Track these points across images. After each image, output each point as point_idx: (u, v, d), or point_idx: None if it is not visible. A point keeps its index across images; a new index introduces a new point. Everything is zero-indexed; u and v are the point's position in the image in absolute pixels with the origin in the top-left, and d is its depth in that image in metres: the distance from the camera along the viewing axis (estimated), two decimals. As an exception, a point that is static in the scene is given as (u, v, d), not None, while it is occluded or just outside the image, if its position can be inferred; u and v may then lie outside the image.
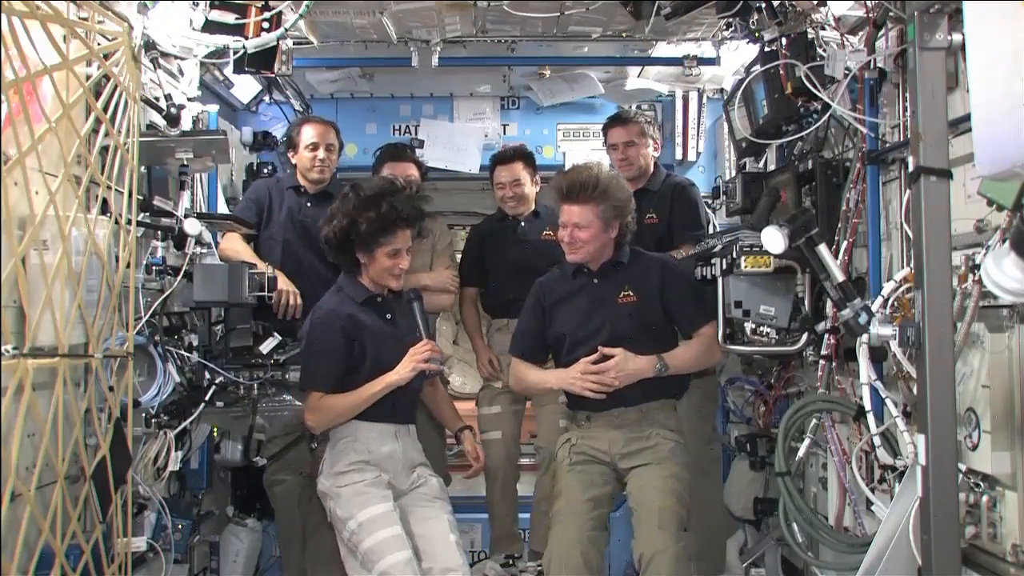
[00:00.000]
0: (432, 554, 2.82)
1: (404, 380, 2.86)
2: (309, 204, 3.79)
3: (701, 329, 3.03)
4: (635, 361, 2.95)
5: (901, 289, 2.37)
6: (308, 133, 3.78)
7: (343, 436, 2.87)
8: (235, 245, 3.57)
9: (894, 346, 2.29)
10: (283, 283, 3.46)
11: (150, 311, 2.84)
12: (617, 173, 3.18)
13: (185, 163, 3.14)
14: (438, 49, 3.78)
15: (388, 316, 2.98)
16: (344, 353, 2.85)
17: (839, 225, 2.86)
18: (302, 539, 3.75)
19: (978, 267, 1.93)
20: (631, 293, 3.07)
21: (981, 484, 2.14)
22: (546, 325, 3.18)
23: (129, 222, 2.59)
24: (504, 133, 4.68)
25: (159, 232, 3.04)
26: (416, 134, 4.61)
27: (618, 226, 3.05)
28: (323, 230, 2.95)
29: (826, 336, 2.84)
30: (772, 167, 3.61)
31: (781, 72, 2.88)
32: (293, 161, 3.85)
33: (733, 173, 4.16)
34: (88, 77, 2.42)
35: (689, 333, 3.06)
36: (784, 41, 2.89)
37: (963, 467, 2.13)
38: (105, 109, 2.45)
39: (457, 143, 4.60)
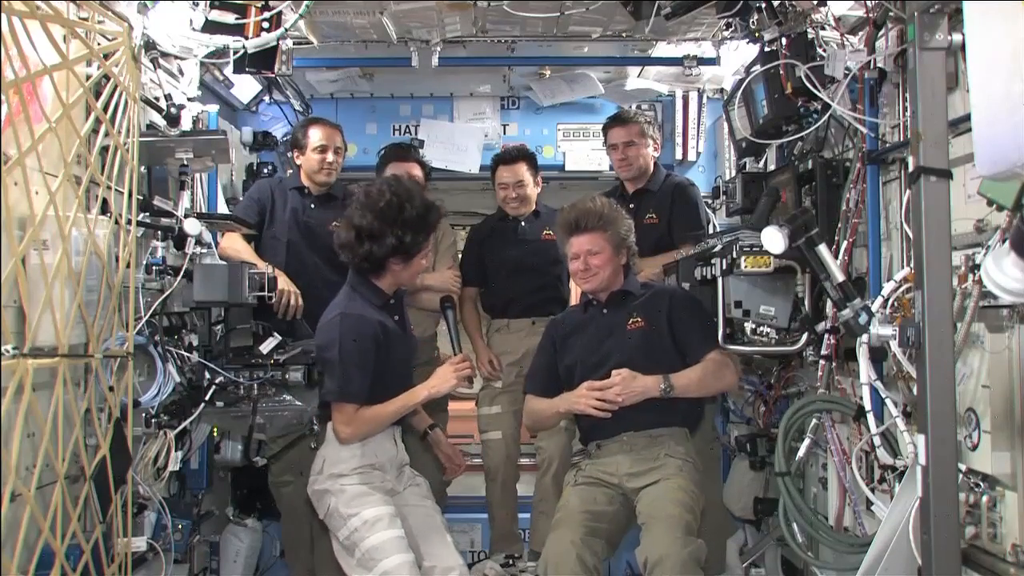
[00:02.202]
0: (432, 554, 2.82)
1: (445, 392, 2.89)
2: (313, 205, 3.80)
3: (708, 355, 3.02)
4: (640, 379, 2.96)
5: (901, 289, 2.37)
6: (316, 135, 3.78)
7: None
8: (235, 244, 3.57)
9: (894, 346, 2.29)
10: (284, 283, 3.46)
11: (150, 311, 2.83)
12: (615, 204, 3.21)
13: (185, 163, 3.14)
14: (438, 49, 3.78)
15: (396, 318, 2.95)
16: (374, 361, 2.79)
17: (839, 225, 2.86)
18: (309, 541, 3.73)
19: (978, 267, 1.93)
20: (639, 319, 3.11)
21: (981, 484, 2.14)
22: (558, 359, 3.22)
23: (129, 222, 2.59)
24: (504, 133, 4.68)
25: (159, 232, 3.04)
26: (416, 134, 4.61)
27: (625, 255, 3.13)
28: (361, 246, 2.77)
29: (826, 336, 2.84)
30: (772, 167, 3.61)
31: (781, 72, 2.88)
32: (298, 162, 3.85)
33: (733, 173, 4.16)
34: (88, 77, 2.42)
35: (695, 360, 3.05)
36: (784, 41, 2.89)
37: (963, 467, 2.13)
38: (105, 109, 2.45)
39: (457, 143, 4.60)
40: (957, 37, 1.98)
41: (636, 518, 2.93)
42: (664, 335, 3.09)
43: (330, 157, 3.77)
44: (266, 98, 4.44)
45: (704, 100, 4.52)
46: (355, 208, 2.81)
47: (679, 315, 3.10)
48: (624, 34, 3.83)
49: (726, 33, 3.56)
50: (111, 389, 2.52)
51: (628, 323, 3.12)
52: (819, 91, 2.71)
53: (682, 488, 2.88)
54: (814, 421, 2.96)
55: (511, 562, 3.98)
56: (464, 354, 2.97)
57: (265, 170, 4.47)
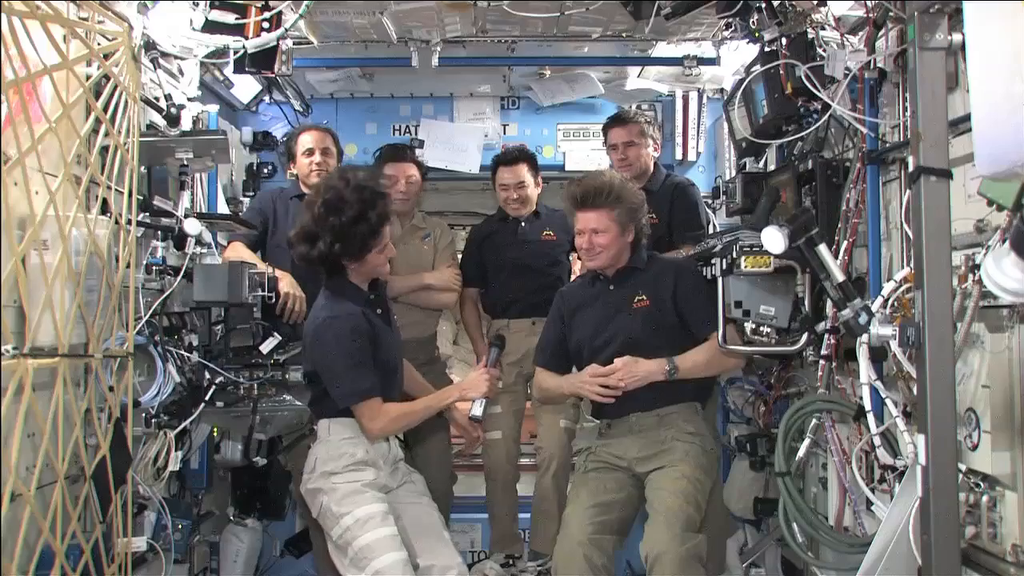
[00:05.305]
0: (429, 552, 2.81)
1: (474, 397, 2.98)
2: None
3: (714, 332, 3.00)
4: (644, 363, 2.96)
5: (901, 289, 2.37)
6: (304, 140, 3.81)
7: (342, 436, 2.81)
8: (239, 252, 3.57)
9: (894, 346, 2.29)
10: (288, 286, 3.44)
11: (150, 311, 2.84)
12: (625, 177, 3.19)
13: (185, 163, 3.14)
14: (438, 49, 3.78)
15: (379, 312, 2.93)
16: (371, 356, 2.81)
17: (839, 225, 2.85)
18: None
19: (978, 267, 1.93)
20: (644, 298, 3.09)
21: (981, 484, 2.14)
22: (567, 334, 3.21)
23: (129, 222, 2.60)
24: (504, 133, 4.67)
25: (159, 232, 3.04)
26: (416, 134, 4.61)
27: (633, 230, 3.08)
28: (301, 249, 2.77)
29: (826, 336, 2.84)
30: (772, 167, 3.60)
31: (781, 72, 2.88)
32: (293, 171, 3.87)
33: (733, 173, 4.16)
34: (88, 77, 2.42)
35: (702, 337, 3.05)
36: (784, 41, 2.89)
37: (963, 467, 2.13)
38: (105, 109, 2.45)
39: (457, 143, 4.60)
40: (957, 37, 1.98)
41: (646, 498, 2.96)
42: (669, 312, 3.07)
43: (318, 158, 3.77)
44: (266, 98, 4.44)
45: (704, 100, 4.52)
46: (304, 218, 2.79)
47: (684, 292, 3.08)
48: (624, 34, 3.83)
49: (726, 33, 3.56)
50: (111, 389, 2.53)
51: (634, 301, 3.09)
52: (819, 91, 2.71)
53: (685, 476, 2.89)
54: (814, 421, 2.95)
55: (511, 562, 3.98)
56: (497, 371, 3.06)
57: (265, 170, 4.48)
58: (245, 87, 4.25)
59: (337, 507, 2.73)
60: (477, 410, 3.01)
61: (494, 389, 3.04)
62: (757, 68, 3.07)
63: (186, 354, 3.09)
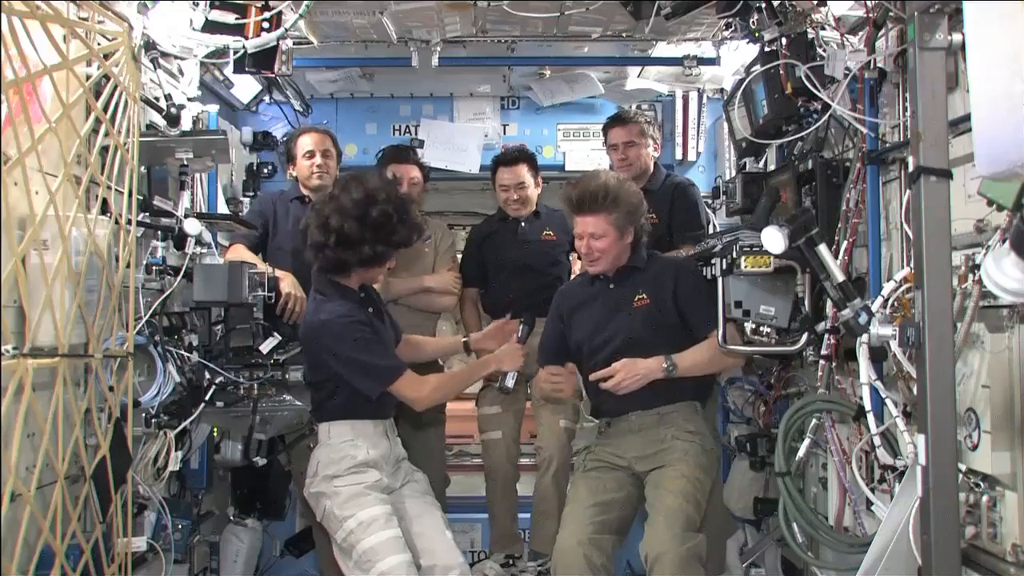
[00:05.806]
0: (431, 552, 2.81)
1: (506, 370, 3.08)
2: None
3: (714, 332, 2.99)
4: (642, 363, 2.95)
5: (901, 289, 2.37)
6: (304, 142, 3.81)
7: (342, 439, 2.82)
8: (240, 254, 3.57)
9: (894, 346, 2.29)
10: (288, 286, 3.44)
11: (150, 311, 2.84)
12: (624, 177, 3.19)
13: (185, 163, 3.14)
14: (438, 49, 3.78)
15: (370, 310, 2.94)
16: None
17: (839, 225, 2.85)
18: None
19: (978, 267, 1.93)
20: (645, 296, 3.08)
21: (981, 484, 2.14)
22: (567, 333, 3.21)
23: (129, 222, 2.60)
24: (504, 133, 4.67)
25: (159, 232, 3.04)
26: (416, 134, 4.60)
27: (632, 231, 3.06)
28: (344, 255, 2.76)
29: (826, 336, 2.84)
30: (772, 167, 3.60)
31: (781, 72, 2.88)
32: (293, 173, 3.88)
33: (733, 173, 4.16)
34: (88, 77, 2.42)
35: (702, 336, 3.04)
36: (784, 41, 2.89)
37: (963, 467, 2.13)
38: (105, 109, 2.45)
39: (457, 143, 4.60)
40: (957, 37, 1.98)
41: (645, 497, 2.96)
42: (670, 311, 3.06)
43: (319, 160, 3.77)
44: (266, 98, 4.43)
45: (704, 100, 4.52)
46: (335, 210, 2.74)
47: (684, 292, 3.07)
48: (624, 34, 3.83)
49: (726, 33, 3.56)
50: (111, 389, 2.53)
51: (634, 300, 3.09)
52: (819, 91, 2.71)
53: (684, 476, 2.89)
54: (814, 421, 2.95)
55: (511, 562, 3.98)
56: (527, 349, 3.14)
57: (265, 170, 4.48)
58: (245, 87, 4.25)
59: (340, 510, 2.74)
60: (509, 381, 3.12)
61: (521, 365, 3.15)
62: (757, 68, 3.07)
63: (186, 354, 3.09)
